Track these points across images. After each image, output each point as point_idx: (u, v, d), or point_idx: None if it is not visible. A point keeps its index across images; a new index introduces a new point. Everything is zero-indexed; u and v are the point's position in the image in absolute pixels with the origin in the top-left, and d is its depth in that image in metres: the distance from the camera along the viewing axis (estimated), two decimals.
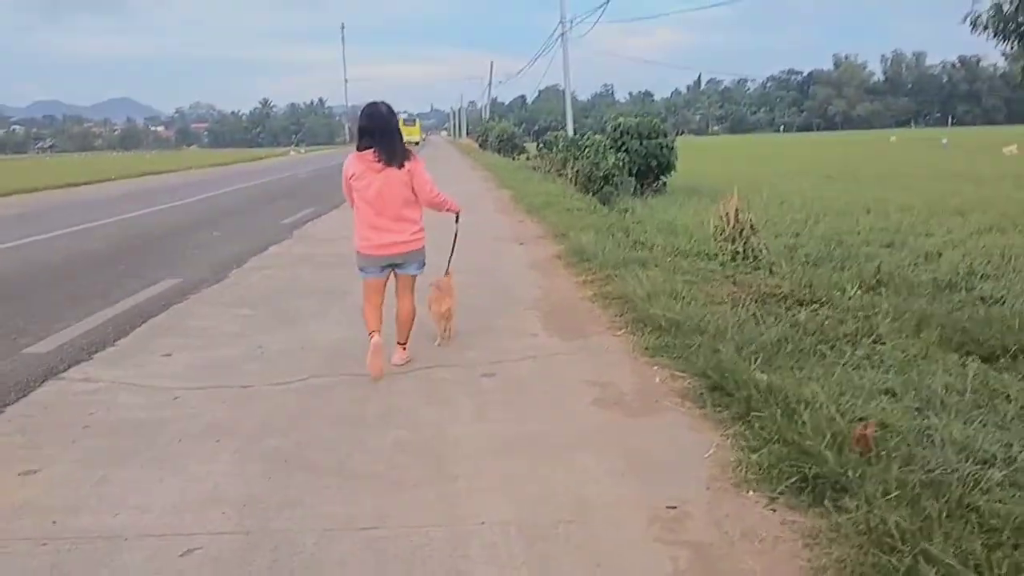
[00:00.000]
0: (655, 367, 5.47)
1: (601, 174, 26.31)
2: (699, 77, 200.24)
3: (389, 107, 5.52)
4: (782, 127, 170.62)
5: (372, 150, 5.38)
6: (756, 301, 7.21)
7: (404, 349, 5.91)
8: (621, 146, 28.03)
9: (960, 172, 28.51)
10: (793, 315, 6.62)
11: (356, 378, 5.52)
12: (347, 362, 5.93)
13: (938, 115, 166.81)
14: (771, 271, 9.88)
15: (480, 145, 71.42)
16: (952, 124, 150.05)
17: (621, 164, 26.70)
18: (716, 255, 10.75)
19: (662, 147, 28.68)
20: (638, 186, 27.17)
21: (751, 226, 12.18)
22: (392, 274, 5.78)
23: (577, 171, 26.83)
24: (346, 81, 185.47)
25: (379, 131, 5.41)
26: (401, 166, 5.39)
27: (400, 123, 5.91)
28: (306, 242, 12.67)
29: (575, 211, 15.52)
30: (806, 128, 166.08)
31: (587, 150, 27.06)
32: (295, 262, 10.72)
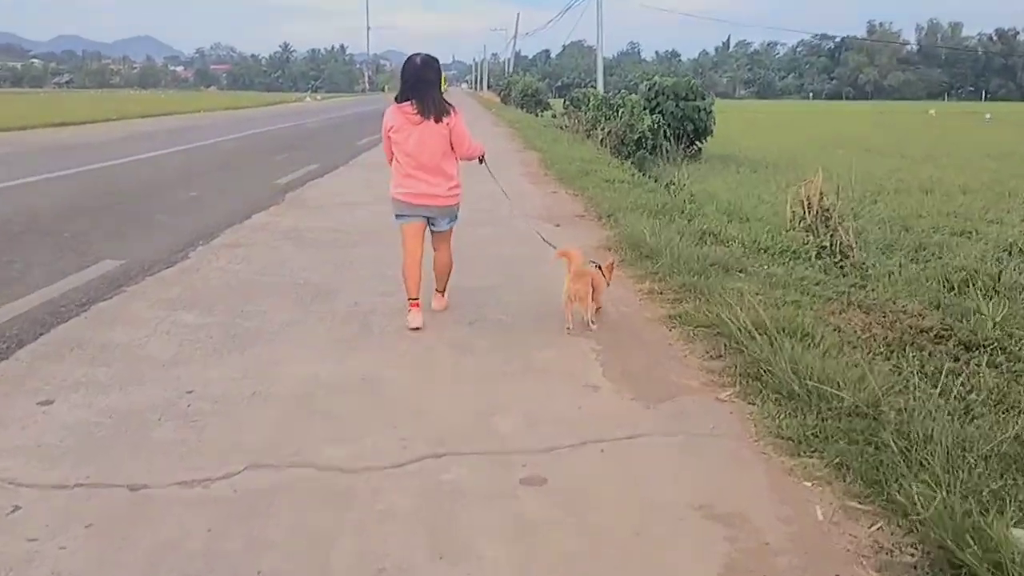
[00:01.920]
0: (809, 483, 3.34)
1: (635, 137, 24.25)
2: (728, 38, 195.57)
3: (427, 59, 5.41)
4: (811, 94, 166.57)
5: (410, 102, 5.34)
6: (905, 342, 5.10)
7: (443, 295, 6.02)
8: (656, 107, 25.96)
9: (1014, 151, 26.54)
10: (975, 370, 4.51)
11: (324, 475, 3.43)
12: (316, 428, 3.86)
13: (971, 88, 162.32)
14: (864, 276, 7.80)
15: (502, 99, 68.75)
16: (986, 98, 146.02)
17: (656, 127, 24.65)
18: (801, 251, 8.64)
19: (699, 110, 26.73)
20: (673, 151, 25.27)
21: (836, 215, 10.11)
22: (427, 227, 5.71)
23: (608, 132, 24.80)
24: (368, 28, 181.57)
25: (416, 83, 5.35)
26: (439, 120, 5.34)
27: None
28: (298, 210, 10.54)
29: (616, 183, 13.34)
30: (836, 96, 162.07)
31: (620, 111, 24.89)
32: (278, 238, 8.60)
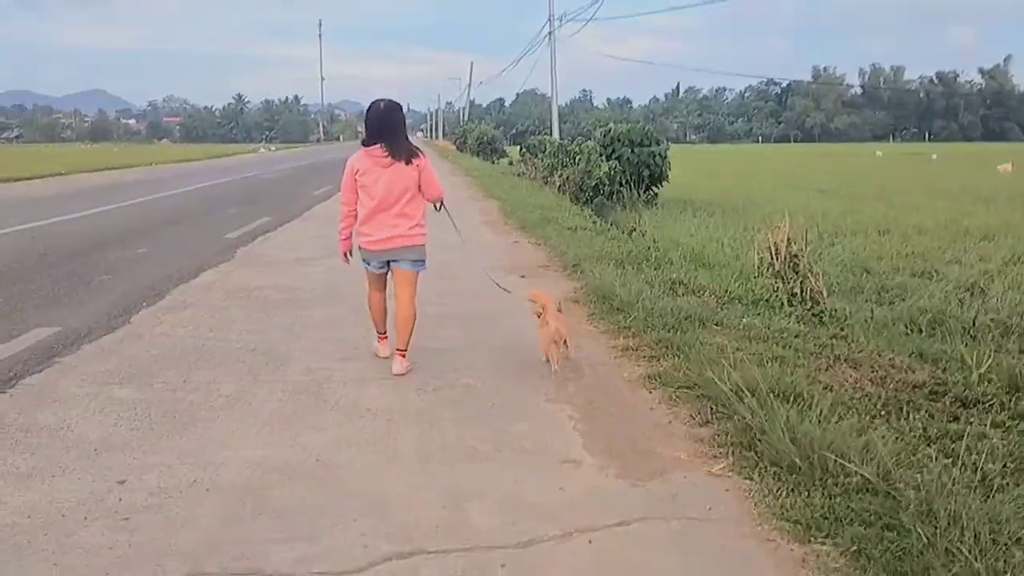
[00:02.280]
0: None
1: (593, 183, 24.24)
2: (678, 85, 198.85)
3: (390, 104, 5.52)
4: (760, 138, 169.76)
5: (379, 145, 5.39)
6: (901, 401, 4.78)
7: (404, 357, 5.67)
8: (611, 153, 26.00)
9: (961, 190, 27.04)
10: (980, 434, 4.19)
11: None
12: (264, 525, 3.40)
13: (915, 130, 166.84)
14: (843, 325, 7.55)
15: (458, 147, 68.85)
16: (929, 139, 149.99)
17: (613, 173, 24.67)
18: (773, 300, 8.39)
19: (654, 155, 26.78)
20: (629, 197, 25.29)
21: (805, 261, 9.92)
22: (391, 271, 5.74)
23: (566, 179, 24.78)
24: (322, 79, 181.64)
25: (383, 127, 5.44)
26: (409, 162, 5.45)
27: None
28: (249, 267, 10.05)
29: (578, 230, 13.09)
30: (784, 139, 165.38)
31: (577, 157, 24.88)
32: (226, 298, 8.11)
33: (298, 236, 13.00)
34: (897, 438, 4.04)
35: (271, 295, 8.25)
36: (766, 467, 3.79)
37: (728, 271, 9.86)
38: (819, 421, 4.05)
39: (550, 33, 36.74)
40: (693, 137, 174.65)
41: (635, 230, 14.23)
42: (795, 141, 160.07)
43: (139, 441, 4.33)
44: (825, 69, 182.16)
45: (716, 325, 6.60)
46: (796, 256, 9.94)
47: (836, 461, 3.60)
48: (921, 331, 8.21)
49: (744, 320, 6.81)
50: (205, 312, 7.48)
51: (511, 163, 39.02)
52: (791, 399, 4.44)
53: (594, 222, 15.58)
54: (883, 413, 4.50)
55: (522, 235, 13.16)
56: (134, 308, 7.55)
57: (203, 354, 6.05)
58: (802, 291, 9.02)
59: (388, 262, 5.68)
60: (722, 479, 3.80)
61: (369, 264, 5.77)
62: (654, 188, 26.62)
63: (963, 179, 33.24)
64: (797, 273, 9.62)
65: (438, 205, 5.98)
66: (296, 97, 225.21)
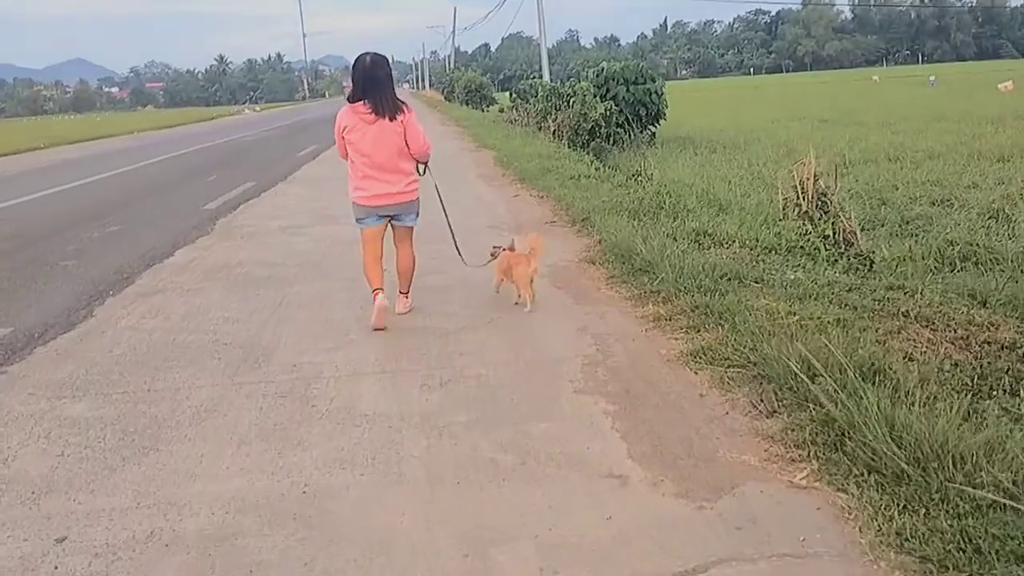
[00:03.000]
0: None
1: (589, 126, 23.32)
2: (665, 20, 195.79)
3: (377, 56, 5.41)
4: (752, 69, 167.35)
5: (363, 101, 5.35)
6: (999, 370, 4.01)
7: (407, 297, 5.95)
8: (606, 94, 25.02)
9: (965, 112, 26.09)
10: None
11: None
12: None
13: (907, 53, 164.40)
14: (894, 272, 6.83)
15: (446, 97, 67.36)
16: (923, 61, 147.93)
17: (609, 113, 23.74)
18: (804, 245, 7.62)
19: (650, 93, 25.83)
20: (626, 137, 24.41)
21: (836, 200, 9.21)
22: (389, 225, 5.74)
23: (560, 123, 23.85)
24: (304, 35, 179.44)
25: (367, 82, 5.35)
26: (393, 118, 5.36)
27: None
28: (229, 240, 9.22)
29: (581, 179, 12.23)
30: (776, 70, 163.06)
31: (572, 100, 23.88)
32: (203, 279, 7.29)
33: (282, 202, 12.15)
34: (1018, 424, 3.27)
35: (253, 272, 7.45)
36: (863, 475, 3.02)
37: (750, 215, 9.06)
38: (919, 408, 3.28)
39: None
40: (684, 72, 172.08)
41: (640, 174, 13.36)
42: (787, 71, 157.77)
43: (89, 477, 3.57)
44: None
45: (756, 283, 5.81)
46: (824, 194, 9.17)
47: (959, 467, 2.83)
48: (953, 266, 7.55)
49: (788, 275, 6.02)
50: (178, 298, 6.67)
51: (502, 110, 37.83)
52: (873, 378, 3.67)
53: (596, 169, 14.72)
54: (986, 388, 3.73)
55: (522, 187, 12.30)
56: (99, 298, 6.75)
57: (173, 351, 5.25)
58: (834, 232, 8.29)
59: (385, 216, 5.65)
60: (809, 492, 3.04)
61: (364, 220, 5.65)
62: (651, 127, 25.80)
63: (965, 100, 32.43)
64: (827, 213, 8.87)
65: (422, 168, 5.78)
66: (279, 55, 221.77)
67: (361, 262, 5.80)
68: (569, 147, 20.03)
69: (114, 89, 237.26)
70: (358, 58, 5.42)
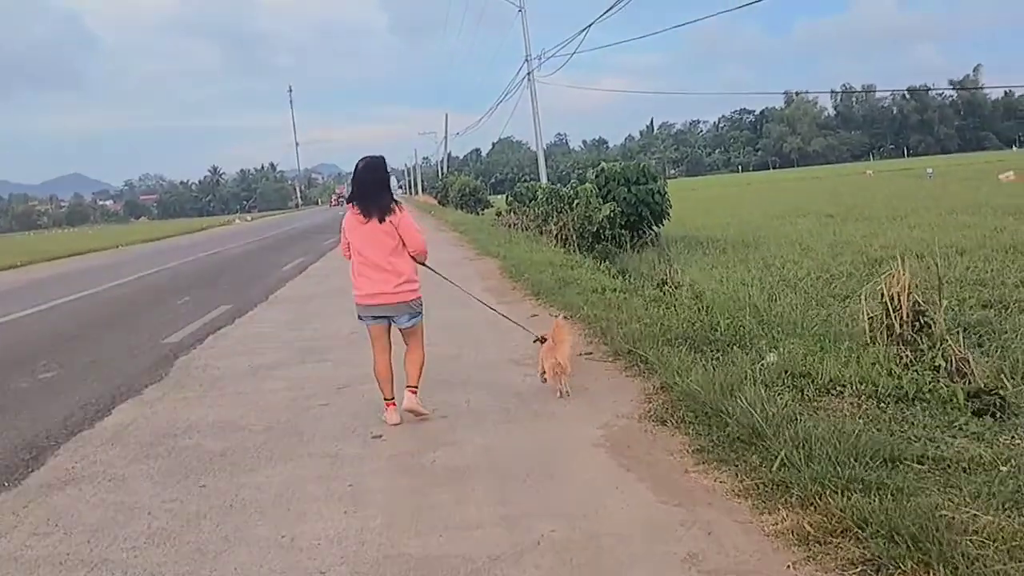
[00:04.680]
0: None
1: (594, 228, 21.92)
2: (651, 121, 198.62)
3: (369, 161, 5.60)
4: (740, 167, 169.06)
5: (354, 203, 5.58)
6: None
7: (414, 393, 5.70)
8: (607, 194, 23.76)
9: (974, 203, 24.95)
10: None
11: None
12: None
13: (892, 147, 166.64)
14: None
15: (440, 202, 66.63)
16: (908, 155, 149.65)
17: (614, 215, 22.40)
18: (928, 387, 5.82)
19: (653, 193, 24.51)
20: (630, 239, 23.03)
21: (941, 320, 7.51)
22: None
23: (562, 226, 22.47)
24: (296, 144, 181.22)
25: (357, 184, 5.60)
26: (382, 219, 5.47)
27: None
28: (185, 387, 7.36)
29: (607, 292, 10.52)
30: (763, 166, 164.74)
31: (575, 202, 22.52)
32: (137, 455, 5.40)
33: (258, 330, 10.33)
34: None
35: (204, 444, 5.57)
36: None
37: (827, 340, 7.29)
38: None
39: (528, 73, 34.58)
40: (672, 171, 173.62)
41: (666, 283, 11.68)
42: (774, 167, 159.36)
43: None
44: (797, 94, 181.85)
45: (919, 463, 3.98)
46: (923, 312, 7.45)
47: None
48: None
49: (957, 444, 4.20)
50: (93, 493, 4.78)
51: (498, 213, 36.52)
52: None
53: (615, 277, 13.07)
54: None
55: (539, 304, 10.58)
56: None
57: None
58: (946, 362, 6.53)
59: (385, 317, 5.65)
60: None
61: (363, 319, 5.75)
62: (655, 227, 24.54)
63: (970, 192, 31.47)
64: (928, 336, 7.13)
65: (422, 261, 5.82)
66: (272, 164, 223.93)
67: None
68: (577, 252, 18.59)
69: (108, 202, 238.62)
70: (356, 163, 5.62)
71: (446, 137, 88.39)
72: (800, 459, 4.01)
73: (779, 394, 5.23)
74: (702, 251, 19.66)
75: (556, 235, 21.90)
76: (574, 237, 21.05)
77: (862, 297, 7.74)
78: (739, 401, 4.94)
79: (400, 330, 5.71)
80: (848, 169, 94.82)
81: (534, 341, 6.47)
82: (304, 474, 4.81)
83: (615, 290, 10.80)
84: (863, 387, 5.44)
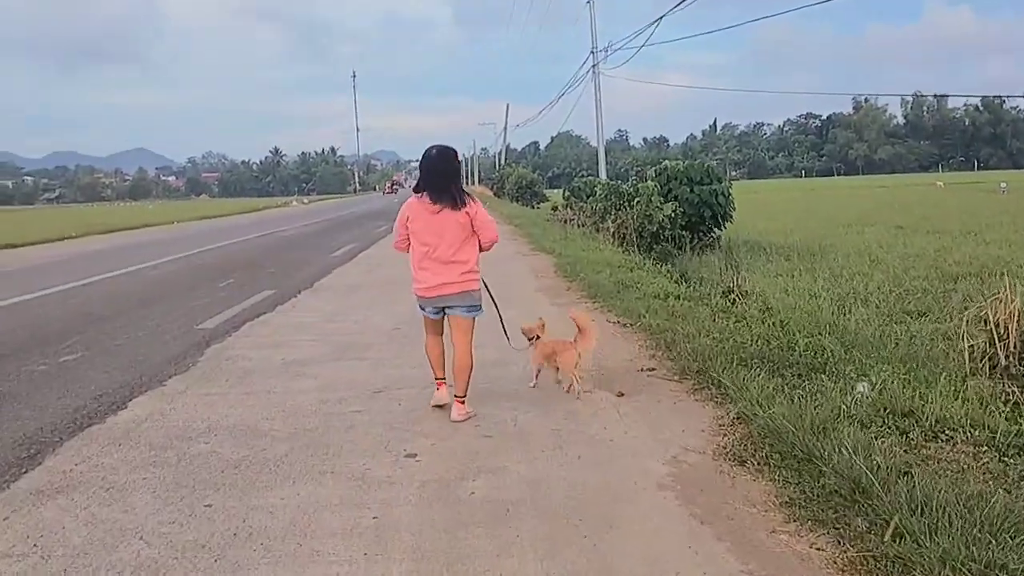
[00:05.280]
0: None
1: (654, 228, 21.12)
2: (715, 121, 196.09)
3: (442, 150, 5.50)
4: (803, 172, 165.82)
5: (424, 193, 5.42)
6: None
7: (463, 403, 5.56)
8: (667, 193, 22.95)
9: None
10: None
11: None
12: None
13: (962, 159, 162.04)
14: None
15: (495, 193, 66.11)
16: (978, 167, 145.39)
17: (675, 216, 21.60)
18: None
19: (716, 194, 23.71)
20: (690, 241, 22.24)
21: None
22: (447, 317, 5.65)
23: (620, 224, 21.72)
24: (357, 130, 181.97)
25: (428, 173, 5.45)
26: (457, 208, 5.37)
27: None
28: (211, 381, 6.80)
29: (669, 299, 9.78)
30: (827, 172, 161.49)
31: (636, 200, 21.75)
32: (144, 461, 4.82)
33: (298, 320, 9.78)
34: None
35: (219, 452, 4.97)
36: None
37: (922, 368, 6.47)
38: None
39: (594, 65, 33.72)
40: (733, 173, 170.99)
41: (733, 292, 10.88)
42: (838, 174, 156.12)
43: None
44: (866, 100, 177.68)
45: None
46: None
47: None
48: None
49: None
50: (85, 506, 4.19)
51: (554, 208, 35.82)
52: None
53: (677, 282, 12.29)
54: None
55: (594, 308, 9.84)
56: None
57: None
58: None
59: (443, 308, 5.57)
60: None
61: (424, 310, 5.67)
62: (716, 230, 23.73)
63: None
64: None
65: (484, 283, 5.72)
66: (332, 149, 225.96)
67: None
68: (637, 252, 17.86)
69: (171, 178, 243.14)
70: (426, 151, 5.51)
71: (505, 128, 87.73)
72: (921, 529, 3.25)
73: (879, 436, 4.47)
74: (765, 257, 18.83)
75: (614, 233, 21.23)
76: (633, 236, 20.32)
77: (964, 322, 6.90)
78: (834, 444, 4.20)
79: (452, 324, 5.56)
80: (916, 179, 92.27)
81: (527, 341, 6.18)
82: (325, 498, 4.17)
83: (679, 297, 10.04)
84: (976, 432, 4.64)
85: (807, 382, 5.81)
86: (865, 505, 3.58)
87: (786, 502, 3.83)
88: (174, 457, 4.91)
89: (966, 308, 11.20)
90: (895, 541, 3.24)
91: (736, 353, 6.58)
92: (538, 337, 6.09)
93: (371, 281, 13.33)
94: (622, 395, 5.91)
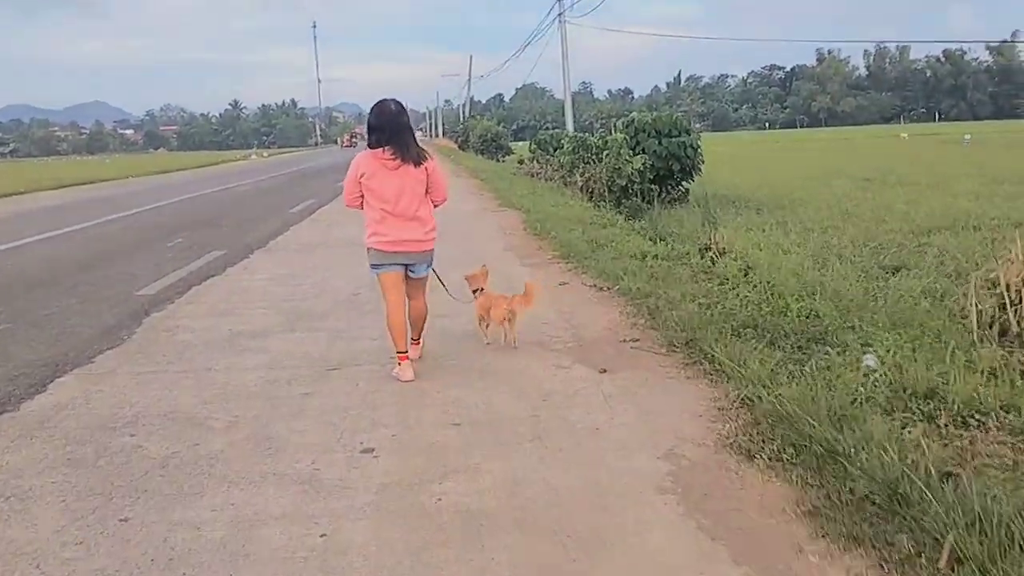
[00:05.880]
0: None
1: (623, 183, 20.52)
2: (679, 73, 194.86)
3: (399, 104, 5.35)
4: (767, 124, 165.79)
5: (386, 148, 5.20)
6: None
7: (418, 343, 5.77)
8: (635, 146, 22.32)
9: (1020, 173, 23.42)
10: None
11: None
12: None
13: (923, 110, 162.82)
14: None
15: (459, 146, 64.96)
16: (939, 119, 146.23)
17: (644, 169, 21.01)
18: None
19: (685, 146, 23.04)
20: (659, 195, 21.69)
21: None
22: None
23: (588, 178, 21.15)
24: (319, 81, 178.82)
25: (391, 128, 5.24)
26: (418, 164, 5.27)
27: None
28: (145, 357, 6.09)
29: (647, 259, 9.19)
30: (790, 124, 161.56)
31: (604, 153, 21.09)
32: (51, 463, 4.09)
33: (249, 284, 9.05)
34: None
35: (145, 447, 4.29)
36: None
37: (925, 334, 5.95)
38: None
39: (560, 14, 32.75)
40: (697, 125, 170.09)
41: (710, 249, 10.32)
42: (801, 126, 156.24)
43: None
44: (829, 52, 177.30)
45: None
46: None
47: None
48: None
49: None
50: None
51: (520, 161, 35.01)
52: None
53: (653, 240, 11.69)
54: None
55: (568, 269, 9.23)
56: None
57: None
58: None
59: (403, 265, 5.40)
60: None
61: (383, 267, 5.38)
62: (685, 183, 23.17)
63: (1010, 161, 29.88)
64: None
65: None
66: (293, 101, 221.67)
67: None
68: (604, 206, 17.29)
69: (129, 131, 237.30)
70: (380, 104, 5.31)
71: (469, 80, 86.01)
72: (983, 553, 2.69)
73: (905, 425, 3.92)
74: (734, 211, 18.31)
75: (582, 187, 20.67)
76: (604, 191, 19.72)
77: (971, 285, 6.36)
78: (859, 436, 3.63)
79: (410, 283, 5.51)
80: (880, 131, 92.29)
81: (473, 293, 6.12)
82: (264, 508, 3.53)
83: (656, 256, 9.43)
84: (1010, 417, 4.10)
85: (808, 355, 5.26)
86: (907, 517, 3.01)
87: (809, 511, 3.25)
88: (92, 454, 4.22)
89: (942, 263, 10.92)
90: (953, 570, 2.67)
91: (726, 321, 6.01)
92: (482, 289, 6.05)
93: (329, 240, 12.57)
94: (604, 372, 5.30)
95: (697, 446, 4.02)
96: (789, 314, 6.42)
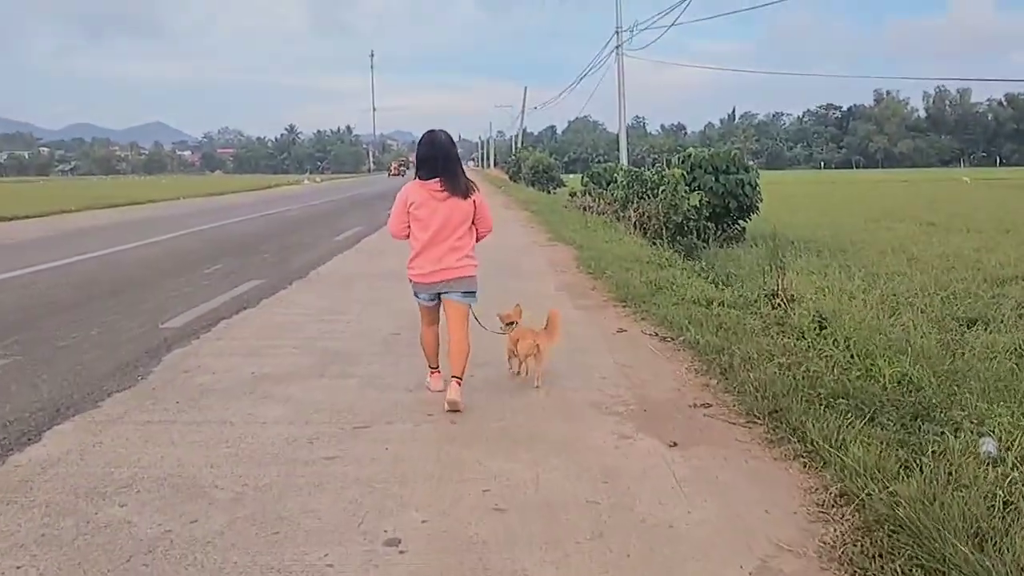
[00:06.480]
0: None
1: (679, 219, 19.77)
2: (733, 110, 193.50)
3: (448, 135, 5.40)
4: (822, 163, 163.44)
5: (437, 179, 5.25)
6: None
7: (459, 384, 5.36)
8: (692, 181, 21.63)
9: None
10: None
11: None
12: None
13: (983, 154, 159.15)
14: None
15: (511, 177, 64.60)
16: (1000, 164, 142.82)
17: (701, 205, 20.29)
18: None
19: (743, 184, 22.29)
20: (715, 233, 20.92)
21: None
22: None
23: (642, 214, 20.45)
24: (374, 109, 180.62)
25: (442, 160, 5.28)
26: (466, 196, 5.30)
27: None
28: (156, 404, 5.45)
29: (712, 306, 8.41)
30: (846, 165, 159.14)
31: (660, 188, 20.40)
32: (24, 543, 3.44)
33: (283, 319, 8.44)
34: None
35: (134, 523, 3.62)
36: None
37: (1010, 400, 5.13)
38: None
39: (617, 46, 32.19)
40: (751, 163, 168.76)
41: (777, 295, 9.52)
42: (858, 167, 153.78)
43: None
44: (887, 93, 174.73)
45: None
46: None
47: None
48: None
49: None
50: None
51: (572, 194, 34.37)
52: None
53: (715, 284, 10.92)
54: None
55: (626, 313, 8.49)
56: None
57: None
58: None
59: (439, 294, 5.43)
60: None
61: (419, 296, 5.53)
62: (741, 222, 22.41)
63: None
64: None
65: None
66: (348, 127, 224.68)
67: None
68: (660, 244, 16.57)
69: (187, 153, 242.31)
70: (431, 134, 5.32)
71: (523, 111, 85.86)
72: None
73: None
74: (794, 252, 17.46)
75: (636, 223, 19.94)
76: (661, 227, 19.00)
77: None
78: (1008, 559, 2.84)
79: (449, 310, 5.45)
80: (939, 174, 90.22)
81: (503, 326, 5.94)
82: None
83: (722, 303, 8.65)
84: None
85: (911, 433, 4.46)
86: None
87: None
88: (71, 529, 3.58)
89: (1021, 316, 10.00)
90: None
91: (812, 388, 5.22)
92: (515, 323, 5.88)
93: (372, 272, 11.97)
94: (675, 446, 4.54)
95: (797, 557, 3.25)
96: (881, 379, 5.63)
